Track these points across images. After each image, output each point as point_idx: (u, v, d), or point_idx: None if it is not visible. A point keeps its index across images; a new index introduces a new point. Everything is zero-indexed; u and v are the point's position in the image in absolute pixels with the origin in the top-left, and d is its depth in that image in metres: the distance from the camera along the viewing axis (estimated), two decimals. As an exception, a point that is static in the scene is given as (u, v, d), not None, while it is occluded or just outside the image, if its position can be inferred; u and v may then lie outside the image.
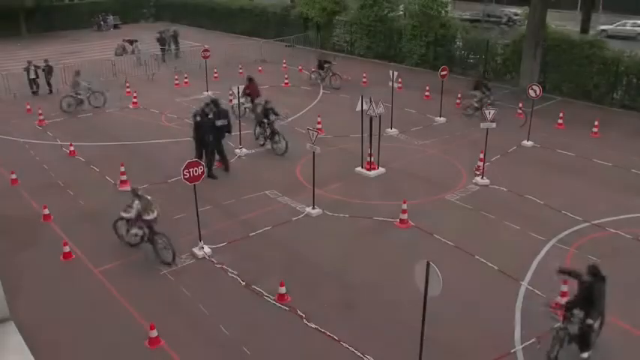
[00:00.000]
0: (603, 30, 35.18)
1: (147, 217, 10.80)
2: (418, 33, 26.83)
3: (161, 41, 31.37)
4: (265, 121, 16.63)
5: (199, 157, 14.59)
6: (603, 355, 8.58)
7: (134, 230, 11.05)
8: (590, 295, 7.98)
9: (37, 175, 15.30)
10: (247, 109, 18.79)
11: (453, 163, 15.91)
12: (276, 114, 16.57)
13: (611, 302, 9.69)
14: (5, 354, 5.87)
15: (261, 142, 17.03)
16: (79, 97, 21.04)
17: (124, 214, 11.02)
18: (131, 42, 32.38)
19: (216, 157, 15.26)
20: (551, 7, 22.37)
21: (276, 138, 16.51)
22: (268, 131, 16.65)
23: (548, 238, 11.82)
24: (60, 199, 13.78)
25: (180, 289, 10.22)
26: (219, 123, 14.99)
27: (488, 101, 19.07)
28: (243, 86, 17.22)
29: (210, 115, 14.90)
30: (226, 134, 15.45)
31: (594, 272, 8.06)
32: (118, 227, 11.61)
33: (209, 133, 14.73)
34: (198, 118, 14.67)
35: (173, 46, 31.85)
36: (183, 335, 9.05)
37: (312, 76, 24.59)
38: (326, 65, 24.05)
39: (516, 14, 41.54)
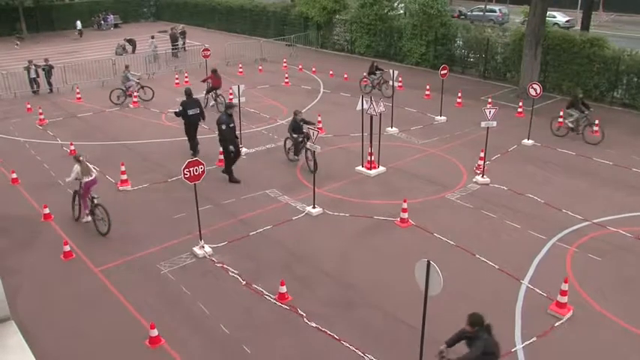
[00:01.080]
0: (463, 15, 41.18)
1: (85, 179, 12.00)
2: (418, 32, 26.82)
3: (173, 38, 31.54)
4: (296, 136, 15.13)
5: (228, 160, 14.69)
6: (604, 354, 8.59)
7: (85, 219, 12.50)
8: (475, 346, 6.97)
9: (37, 175, 15.30)
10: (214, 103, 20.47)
11: (454, 162, 15.91)
12: (309, 124, 14.97)
13: (612, 301, 9.73)
14: (5, 353, 5.87)
15: (291, 158, 15.78)
16: (129, 90, 21.65)
17: (67, 179, 12.18)
18: (131, 41, 32.48)
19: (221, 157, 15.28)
20: (551, 7, 22.35)
21: (309, 154, 14.76)
22: (300, 145, 15.11)
23: (548, 237, 11.81)
24: (60, 199, 13.76)
25: (180, 289, 10.22)
26: (190, 112, 15.91)
27: (587, 122, 17.21)
28: (243, 85, 17.23)
29: (228, 121, 14.57)
30: (200, 120, 16.43)
31: (476, 321, 6.98)
32: (74, 198, 12.69)
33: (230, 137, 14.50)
34: (224, 127, 14.29)
35: (181, 43, 32.04)
36: (184, 334, 9.05)
37: (363, 83, 22.64)
38: (378, 72, 22.06)
39: (471, 10, 44.21)
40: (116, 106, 21.42)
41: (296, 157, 15.61)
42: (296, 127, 15.09)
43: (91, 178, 12.10)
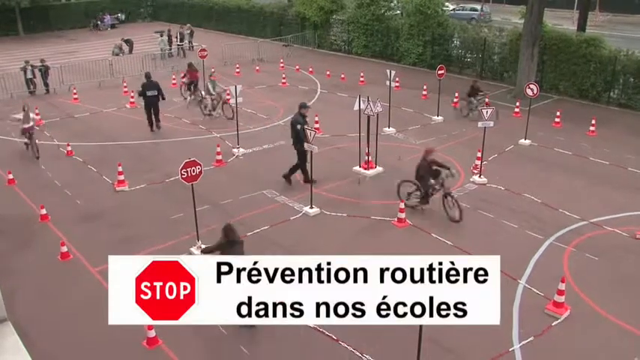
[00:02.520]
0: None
1: (24, 125, 15.84)
2: (415, 32, 26.86)
3: (179, 37, 31.61)
4: (432, 182, 12.35)
5: (300, 166, 14.18)
6: (601, 354, 8.62)
7: (24, 140, 16.63)
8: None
9: (34, 175, 15.28)
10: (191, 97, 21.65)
11: (451, 162, 15.90)
12: (446, 168, 12.27)
13: (609, 301, 9.76)
14: (2, 355, 5.86)
15: (413, 204, 12.74)
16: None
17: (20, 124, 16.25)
18: (128, 41, 32.44)
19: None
20: (547, 7, 22.40)
21: (449, 201, 12.29)
22: (430, 191, 12.42)
23: (545, 236, 11.84)
24: (57, 199, 13.75)
25: (178, 289, 10.19)
26: (149, 94, 18.12)
27: None
28: (240, 86, 17.22)
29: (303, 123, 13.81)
30: (160, 100, 18.60)
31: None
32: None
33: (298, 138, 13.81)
34: (299, 127, 13.66)
35: (187, 42, 32.17)
36: (182, 335, 9.03)
37: (461, 104, 20.07)
38: (480, 94, 19.33)
39: (454, 9, 44.11)
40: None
41: (421, 207, 12.81)
42: (428, 171, 12.29)
43: (27, 125, 15.83)
